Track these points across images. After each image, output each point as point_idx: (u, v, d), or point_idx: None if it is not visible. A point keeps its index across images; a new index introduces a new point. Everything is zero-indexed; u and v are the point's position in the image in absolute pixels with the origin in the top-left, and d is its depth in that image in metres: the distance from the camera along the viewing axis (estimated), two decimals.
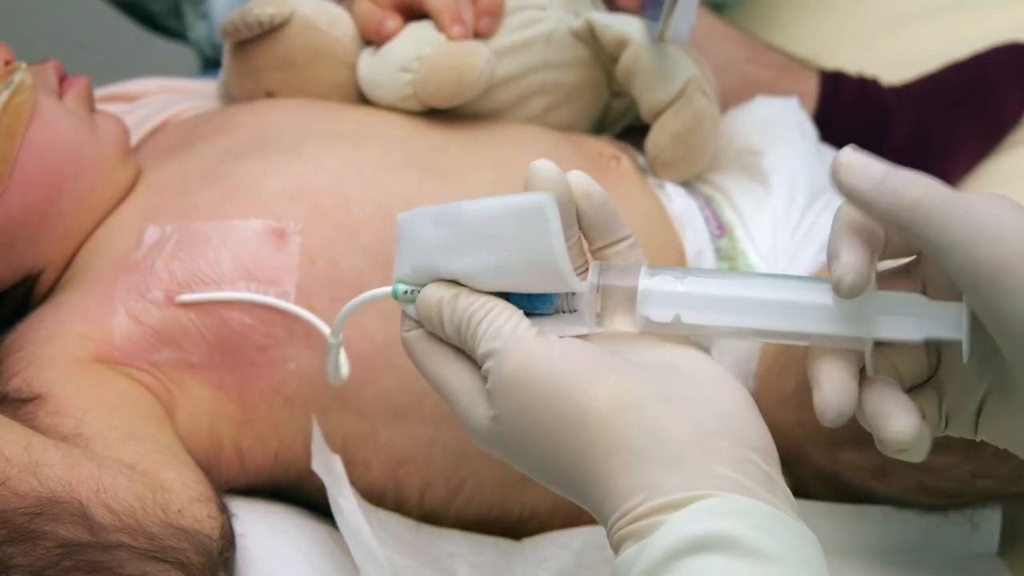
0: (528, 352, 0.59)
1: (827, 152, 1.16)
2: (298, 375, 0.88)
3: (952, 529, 0.93)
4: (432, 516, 0.94)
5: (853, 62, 1.31)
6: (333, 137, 0.96)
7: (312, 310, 0.87)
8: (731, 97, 1.19)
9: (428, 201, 0.92)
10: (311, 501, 0.91)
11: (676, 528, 0.53)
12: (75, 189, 0.92)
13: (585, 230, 0.64)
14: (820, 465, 0.94)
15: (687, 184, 1.07)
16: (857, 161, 0.56)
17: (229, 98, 1.08)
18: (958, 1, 1.37)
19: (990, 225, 0.53)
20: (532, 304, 0.63)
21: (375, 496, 0.91)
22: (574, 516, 0.96)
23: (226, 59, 1.06)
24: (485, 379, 0.60)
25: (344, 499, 0.84)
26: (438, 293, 0.63)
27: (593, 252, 0.64)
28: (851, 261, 0.56)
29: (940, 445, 0.85)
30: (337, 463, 0.85)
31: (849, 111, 1.26)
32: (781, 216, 1.05)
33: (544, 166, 0.62)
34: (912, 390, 0.59)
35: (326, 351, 0.86)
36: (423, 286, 0.64)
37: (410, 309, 0.65)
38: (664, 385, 0.58)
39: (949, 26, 1.35)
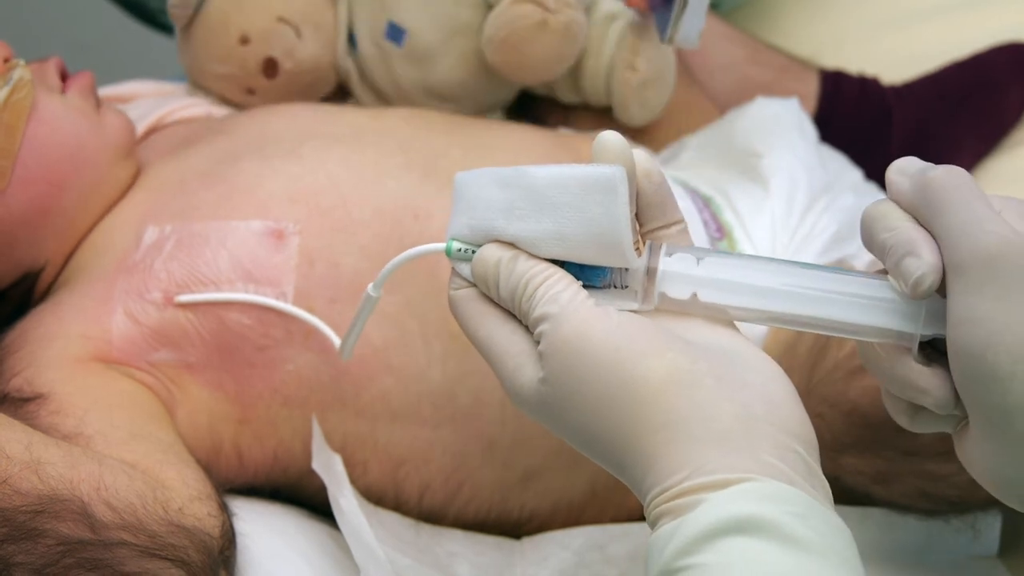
0: (586, 319, 0.59)
1: (827, 153, 1.16)
2: (297, 376, 0.88)
3: (954, 535, 0.93)
4: (431, 517, 0.94)
5: (853, 62, 1.31)
6: (332, 139, 0.96)
7: (311, 311, 0.87)
8: (731, 98, 1.20)
9: (429, 204, 0.92)
10: (310, 501, 0.91)
11: (715, 508, 0.53)
12: (77, 185, 0.92)
13: (641, 208, 0.64)
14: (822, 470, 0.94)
15: (687, 185, 1.07)
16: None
17: (197, 90, 1.12)
18: (958, 1, 1.37)
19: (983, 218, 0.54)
20: (585, 276, 0.63)
21: (374, 497, 0.91)
22: (574, 516, 0.96)
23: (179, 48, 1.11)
24: (538, 342, 0.60)
25: (344, 499, 0.84)
26: (497, 254, 0.62)
27: (644, 233, 0.64)
28: (934, 261, 0.56)
29: (942, 453, 0.85)
30: (337, 462, 0.85)
31: (850, 111, 1.26)
32: (780, 217, 1.05)
33: (612, 138, 0.62)
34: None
35: (323, 357, 0.87)
36: (479, 246, 0.63)
37: (462, 268, 0.64)
38: (717, 366, 0.58)
39: (949, 26, 1.35)
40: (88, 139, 0.93)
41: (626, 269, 0.62)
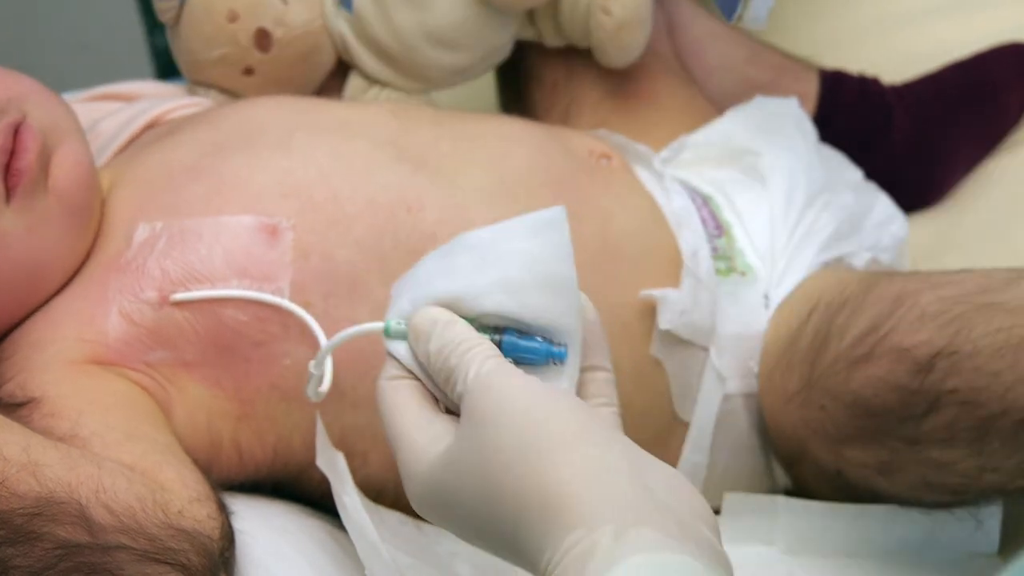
0: (515, 384, 0.59)
1: (827, 152, 1.16)
2: (295, 370, 0.87)
3: (956, 526, 0.93)
4: None
5: (853, 62, 1.31)
6: (321, 131, 0.96)
7: (307, 305, 0.87)
8: (731, 98, 1.20)
9: (421, 196, 0.92)
10: (311, 494, 0.91)
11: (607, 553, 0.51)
12: (40, 289, 0.89)
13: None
14: (823, 463, 0.94)
15: (686, 184, 1.07)
16: None
17: (197, 90, 1.11)
18: (958, 1, 1.37)
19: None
20: (522, 353, 0.63)
21: (375, 487, 0.91)
22: None
23: (172, 50, 1.11)
24: (459, 401, 0.60)
25: (348, 496, 0.84)
26: (436, 313, 0.63)
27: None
28: None
29: (945, 440, 0.85)
30: (340, 460, 0.85)
31: (850, 111, 1.26)
32: (779, 216, 1.05)
33: None
34: None
35: (320, 347, 0.87)
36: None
37: (398, 349, 0.65)
38: (630, 452, 0.57)
39: (949, 26, 1.35)
40: (42, 255, 0.88)
41: (561, 351, 0.63)
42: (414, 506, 0.63)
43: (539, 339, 0.63)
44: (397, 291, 0.67)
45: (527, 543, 0.55)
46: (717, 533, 0.56)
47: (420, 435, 0.62)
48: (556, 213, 0.61)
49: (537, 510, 0.55)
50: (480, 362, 0.61)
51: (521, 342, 0.63)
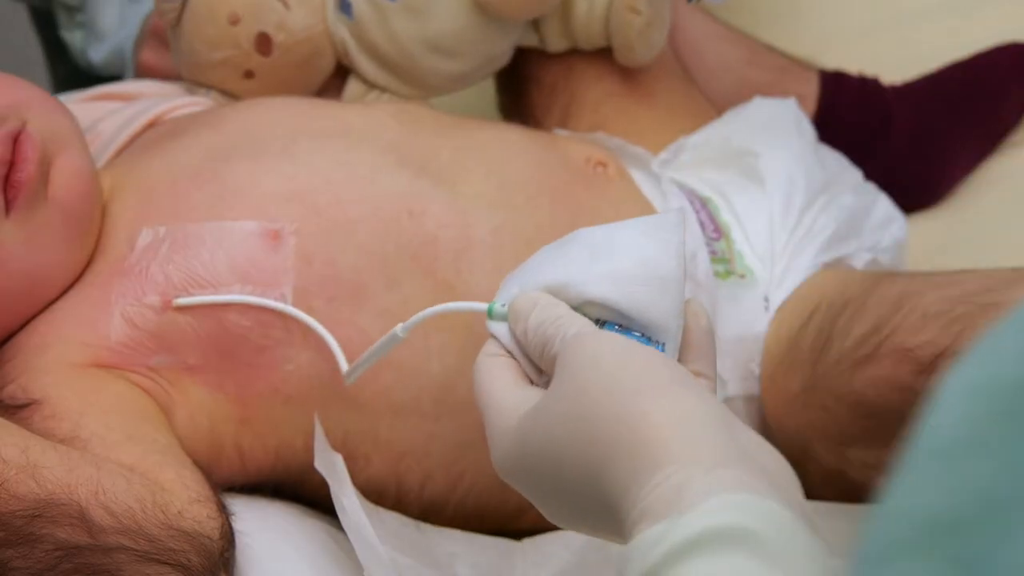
0: (609, 338, 0.59)
1: (826, 153, 1.16)
2: (297, 375, 0.87)
3: None
4: (432, 507, 0.93)
5: (853, 62, 1.31)
6: (324, 136, 0.96)
7: (310, 310, 0.87)
8: (730, 99, 1.20)
9: (423, 202, 0.92)
10: (312, 496, 0.91)
11: (706, 515, 0.49)
12: (40, 298, 0.89)
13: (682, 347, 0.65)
14: (827, 464, 0.94)
15: (684, 186, 1.07)
16: None
17: (197, 90, 1.12)
18: (958, 1, 1.37)
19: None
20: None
21: (376, 489, 0.91)
22: None
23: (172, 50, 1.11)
24: (553, 362, 0.60)
25: (347, 498, 0.83)
26: (537, 295, 0.64)
27: None
28: None
29: None
30: (339, 462, 0.85)
31: (850, 111, 1.26)
32: (779, 217, 1.05)
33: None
34: None
35: (323, 355, 0.87)
36: None
37: (499, 330, 0.65)
38: (727, 413, 0.56)
39: (949, 26, 1.35)
40: (41, 265, 0.88)
41: (661, 347, 0.63)
42: (497, 467, 0.62)
43: (638, 334, 0.63)
44: (508, 281, 0.66)
45: (612, 484, 0.54)
46: (802, 495, 0.55)
47: (510, 398, 0.61)
48: (674, 216, 0.62)
49: (627, 448, 0.53)
50: (578, 327, 0.61)
51: (620, 333, 0.63)
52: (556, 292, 0.64)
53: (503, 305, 0.65)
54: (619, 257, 0.62)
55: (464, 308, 0.69)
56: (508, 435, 0.60)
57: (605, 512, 0.55)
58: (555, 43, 1.15)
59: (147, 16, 1.23)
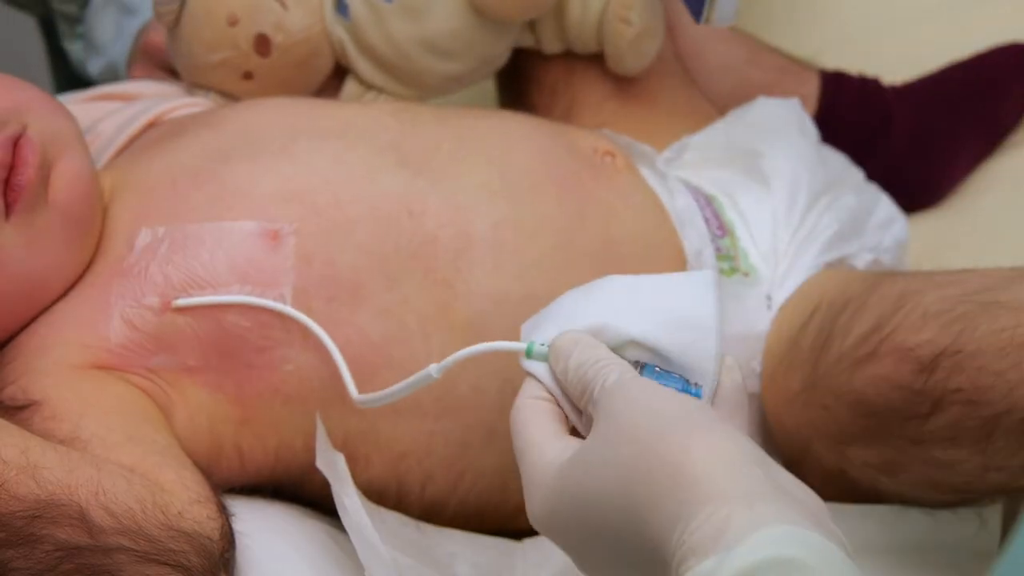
0: (648, 386, 0.61)
1: (828, 153, 1.16)
2: (297, 375, 0.87)
3: (960, 526, 0.92)
4: (433, 507, 0.93)
5: (854, 62, 1.31)
6: (323, 136, 0.96)
7: (309, 311, 0.87)
8: (731, 99, 1.20)
9: (423, 201, 0.92)
10: (312, 497, 0.91)
11: (756, 548, 0.51)
12: (40, 300, 0.89)
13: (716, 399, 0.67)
14: (827, 463, 0.93)
15: (689, 184, 1.07)
16: None
17: (196, 91, 1.12)
18: (958, 1, 1.37)
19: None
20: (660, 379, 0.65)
21: (377, 489, 0.91)
22: None
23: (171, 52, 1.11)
24: (594, 409, 0.62)
25: (348, 498, 0.84)
26: (578, 335, 0.66)
27: None
28: None
29: (949, 439, 0.85)
30: (340, 461, 0.85)
31: (850, 111, 1.26)
32: (782, 217, 1.05)
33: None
34: None
35: (323, 355, 0.87)
36: None
37: (538, 369, 0.66)
38: (762, 456, 0.58)
39: (949, 26, 1.35)
40: (41, 269, 0.88)
41: (699, 391, 0.65)
42: (533, 516, 0.64)
43: (677, 375, 0.64)
44: (530, 325, 0.69)
45: (656, 525, 0.56)
46: (835, 526, 0.57)
47: (550, 450, 0.63)
48: (706, 276, 0.64)
49: (669, 487, 0.56)
50: (619, 373, 0.63)
51: (660, 376, 0.65)
52: (596, 333, 0.67)
53: (543, 344, 0.66)
54: (656, 300, 0.64)
55: (502, 348, 0.71)
56: (546, 486, 0.62)
57: (647, 555, 0.57)
58: (550, 45, 1.15)
59: (139, 31, 1.23)
